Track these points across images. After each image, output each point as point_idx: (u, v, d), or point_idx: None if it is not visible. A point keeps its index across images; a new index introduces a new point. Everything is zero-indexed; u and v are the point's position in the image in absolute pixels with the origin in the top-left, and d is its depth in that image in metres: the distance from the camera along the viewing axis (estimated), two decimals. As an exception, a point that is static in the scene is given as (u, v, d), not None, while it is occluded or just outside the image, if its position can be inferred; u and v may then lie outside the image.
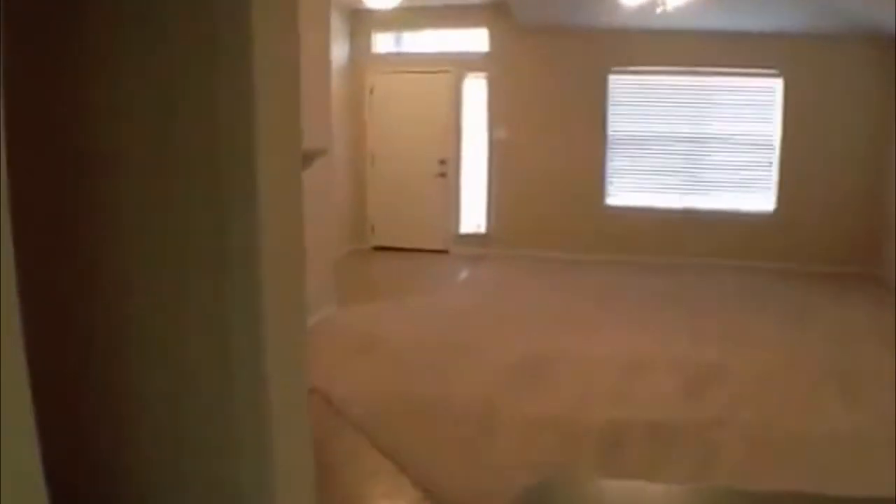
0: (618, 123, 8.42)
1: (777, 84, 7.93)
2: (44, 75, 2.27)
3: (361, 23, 8.78)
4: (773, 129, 8.04)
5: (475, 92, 8.77)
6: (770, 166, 8.09)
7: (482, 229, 8.84)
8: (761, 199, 8.18)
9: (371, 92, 8.85)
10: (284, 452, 2.27)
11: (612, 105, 8.39)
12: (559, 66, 8.39)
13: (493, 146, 8.68)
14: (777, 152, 8.04)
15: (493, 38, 8.57)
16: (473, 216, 8.90)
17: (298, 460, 2.42)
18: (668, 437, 3.86)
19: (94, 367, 2.35)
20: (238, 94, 2.08)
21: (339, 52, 8.24)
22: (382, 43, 8.98)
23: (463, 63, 8.71)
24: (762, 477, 3.50)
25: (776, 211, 8.09)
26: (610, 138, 8.43)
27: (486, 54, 8.60)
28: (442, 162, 8.74)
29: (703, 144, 8.26)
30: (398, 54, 9.04)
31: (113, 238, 2.27)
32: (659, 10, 5.59)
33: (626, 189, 8.51)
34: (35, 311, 2.22)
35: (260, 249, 2.11)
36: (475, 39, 8.68)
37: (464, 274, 8.01)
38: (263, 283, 2.14)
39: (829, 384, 4.68)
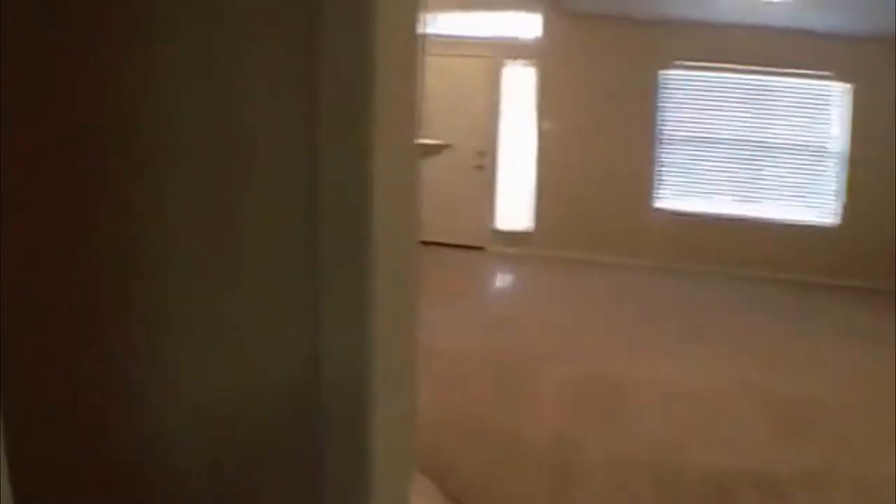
0: (669, 122, 7.95)
1: (842, 89, 7.47)
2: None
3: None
4: (835, 136, 7.59)
5: (517, 80, 8.28)
6: (832, 176, 7.65)
7: (522, 227, 8.36)
8: (821, 210, 7.74)
9: (407, 76, 8.35)
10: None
11: (664, 102, 7.93)
12: (610, 58, 7.91)
13: (540, 139, 8.19)
14: (840, 162, 7.59)
15: (543, 24, 8.06)
16: (512, 212, 8.42)
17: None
18: (775, 490, 3.45)
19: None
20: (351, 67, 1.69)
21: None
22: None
23: (504, 49, 8.22)
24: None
25: (837, 224, 7.66)
26: (660, 137, 7.96)
27: (535, 41, 8.09)
28: (480, 153, 8.27)
29: (760, 149, 7.81)
30: (435, 36, 8.50)
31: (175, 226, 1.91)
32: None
33: (677, 192, 8.06)
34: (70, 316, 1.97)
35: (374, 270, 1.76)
36: (519, 25, 8.17)
37: (506, 275, 7.59)
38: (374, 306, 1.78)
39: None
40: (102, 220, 1.91)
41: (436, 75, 8.20)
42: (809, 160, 7.72)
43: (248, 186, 1.82)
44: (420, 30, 2.12)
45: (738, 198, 7.94)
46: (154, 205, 1.88)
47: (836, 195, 7.66)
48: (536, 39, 8.10)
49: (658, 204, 8.05)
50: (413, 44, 2.08)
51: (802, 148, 7.71)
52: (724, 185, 7.96)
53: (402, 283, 2.12)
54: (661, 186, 8.04)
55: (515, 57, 8.23)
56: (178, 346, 1.93)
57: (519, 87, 8.28)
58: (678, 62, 7.83)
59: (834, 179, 7.66)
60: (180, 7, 1.77)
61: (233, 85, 1.79)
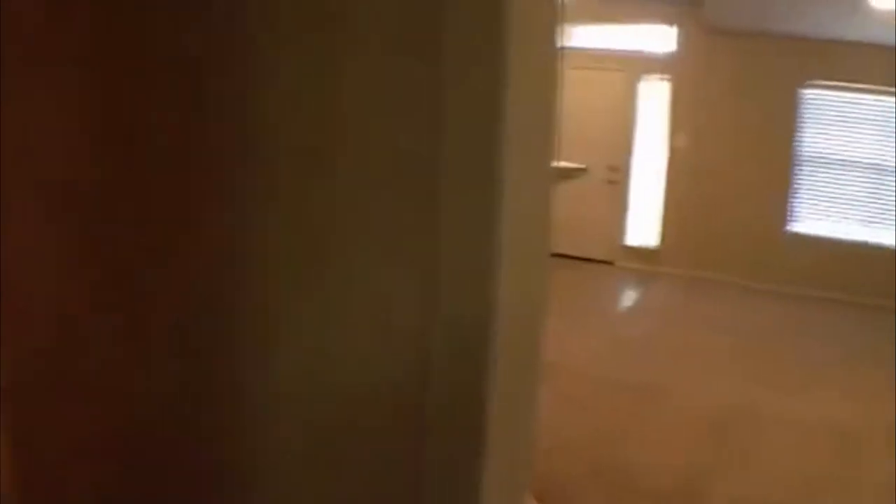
0: (808, 143, 7.79)
1: None
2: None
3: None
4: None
5: (653, 95, 8.28)
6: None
7: (652, 243, 8.41)
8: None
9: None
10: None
11: (804, 122, 7.75)
12: (748, 74, 7.82)
13: (672, 155, 8.17)
14: None
15: (680, 39, 8.04)
16: (643, 228, 8.48)
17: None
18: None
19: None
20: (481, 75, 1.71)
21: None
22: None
23: (640, 63, 8.25)
24: None
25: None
26: (798, 158, 7.80)
27: (671, 55, 8.09)
28: (613, 168, 8.32)
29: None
30: (570, 49, 8.59)
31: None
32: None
33: (813, 216, 7.90)
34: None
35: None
36: (655, 38, 8.17)
37: (635, 293, 7.65)
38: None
39: None
40: (216, 215, 1.96)
41: (571, 88, 8.29)
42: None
43: (369, 198, 1.82)
44: (559, 42, 2.10)
45: (875, 224, 7.70)
46: (272, 208, 1.91)
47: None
48: (671, 54, 8.06)
49: (792, 227, 7.90)
50: (551, 57, 2.05)
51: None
52: (864, 210, 7.75)
53: (528, 305, 2.14)
54: (797, 209, 7.88)
55: (651, 71, 8.22)
56: (279, 352, 1.98)
57: (654, 101, 8.29)
58: (819, 81, 7.64)
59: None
60: (307, 17, 1.82)
61: (358, 97, 1.78)
